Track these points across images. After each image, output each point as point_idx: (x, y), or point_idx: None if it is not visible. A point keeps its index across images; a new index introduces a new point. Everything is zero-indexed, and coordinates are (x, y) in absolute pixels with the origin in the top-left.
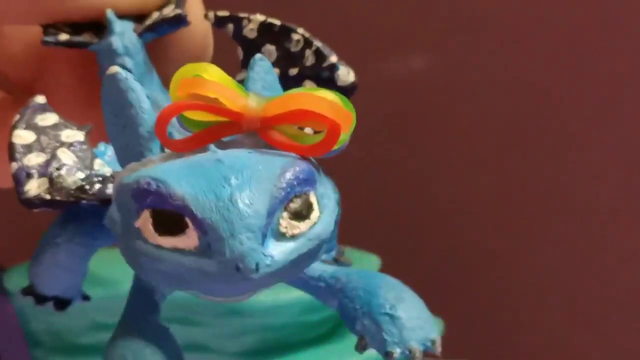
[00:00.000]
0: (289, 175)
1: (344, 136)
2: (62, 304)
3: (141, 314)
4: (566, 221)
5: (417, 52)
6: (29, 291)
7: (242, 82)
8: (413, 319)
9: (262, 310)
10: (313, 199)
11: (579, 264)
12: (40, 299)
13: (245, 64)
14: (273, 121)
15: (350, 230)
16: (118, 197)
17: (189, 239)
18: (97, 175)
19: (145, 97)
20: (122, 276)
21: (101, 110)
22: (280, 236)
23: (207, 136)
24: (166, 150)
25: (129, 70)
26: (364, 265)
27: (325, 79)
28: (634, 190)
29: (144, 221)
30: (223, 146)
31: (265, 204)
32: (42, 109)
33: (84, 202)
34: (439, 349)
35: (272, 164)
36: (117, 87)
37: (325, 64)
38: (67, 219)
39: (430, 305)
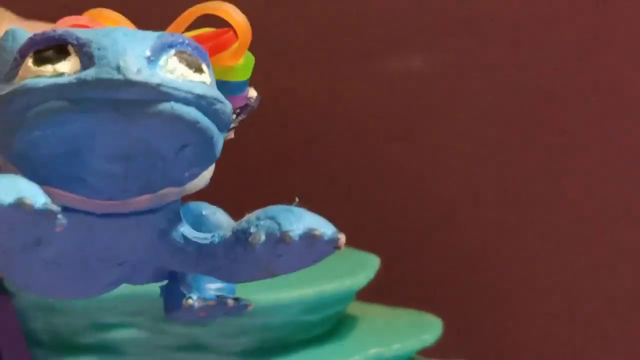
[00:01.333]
0: (179, 36)
1: (245, 66)
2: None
3: None
4: (566, 221)
5: (417, 52)
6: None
7: None
8: (313, 215)
9: (262, 309)
10: (205, 67)
11: (579, 264)
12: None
13: None
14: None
15: (350, 230)
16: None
17: (71, 63)
18: None
19: None
20: None
21: None
22: (170, 73)
23: None
24: None
25: None
26: (364, 265)
27: None
28: (634, 191)
29: (25, 67)
30: None
31: (149, 42)
32: None
33: None
34: (342, 241)
35: (152, 32)
36: None
37: None
38: None
39: (430, 305)
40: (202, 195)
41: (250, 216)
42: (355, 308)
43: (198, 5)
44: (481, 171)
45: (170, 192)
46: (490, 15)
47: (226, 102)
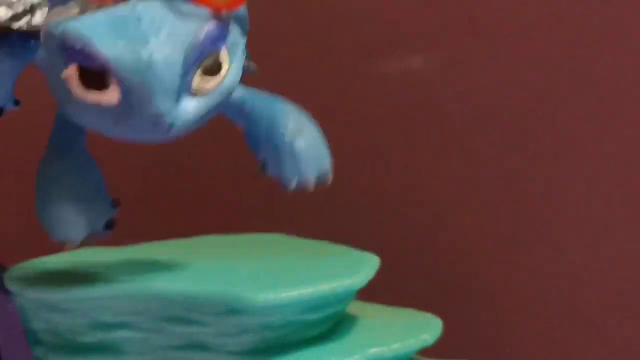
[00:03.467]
0: (202, 35)
1: None
2: None
3: (68, 138)
4: (566, 221)
5: (417, 52)
6: None
7: None
8: (310, 149)
9: (263, 309)
10: (224, 54)
11: (579, 264)
12: None
13: None
14: None
15: (350, 230)
16: (46, 43)
17: (113, 94)
18: (25, 5)
19: None
20: (122, 276)
21: None
22: (194, 93)
23: None
24: None
25: None
26: (364, 265)
27: None
28: (634, 191)
29: (71, 73)
30: None
31: (181, 64)
32: None
33: (14, 33)
34: (329, 178)
35: (187, 22)
36: None
37: None
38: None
39: (430, 305)
40: (198, 195)
41: (257, 117)
42: (355, 308)
43: None
44: (481, 171)
45: None
46: (491, 15)
47: (236, 77)
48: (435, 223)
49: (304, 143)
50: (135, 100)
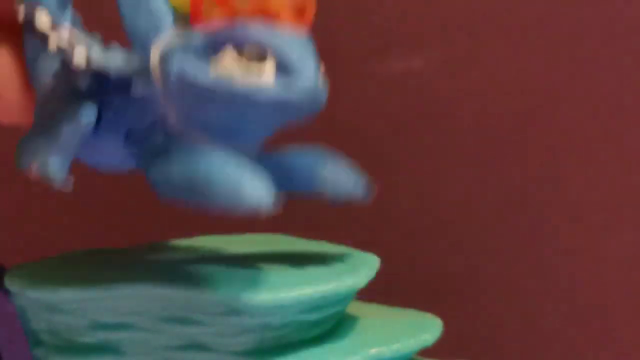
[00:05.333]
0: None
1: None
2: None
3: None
4: (566, 221)
5: (417, 52)
6: (43, 172)
7: None
8: (351, 172)
9: (263, 309)
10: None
11: (579, 264)
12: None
13: None
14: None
15: (350, 230)
16: (181, 51)
17: (270, 67)
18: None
19: None
20: (122, 276)
21: None
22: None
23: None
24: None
25: None
26: (364, 265)
27: None
28: (634, 191)
29: (226, 58)
30: None
31: (312, 45)
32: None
33: (114, 72)
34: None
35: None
36: None
37: None
38: (80, 95)
39: (430, 305)
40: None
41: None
42: (356, 308)
43: None
44: (481, 171)
45: None
46: (491, 15)
47: None
48: (436, 223)
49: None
50: (294, 72)
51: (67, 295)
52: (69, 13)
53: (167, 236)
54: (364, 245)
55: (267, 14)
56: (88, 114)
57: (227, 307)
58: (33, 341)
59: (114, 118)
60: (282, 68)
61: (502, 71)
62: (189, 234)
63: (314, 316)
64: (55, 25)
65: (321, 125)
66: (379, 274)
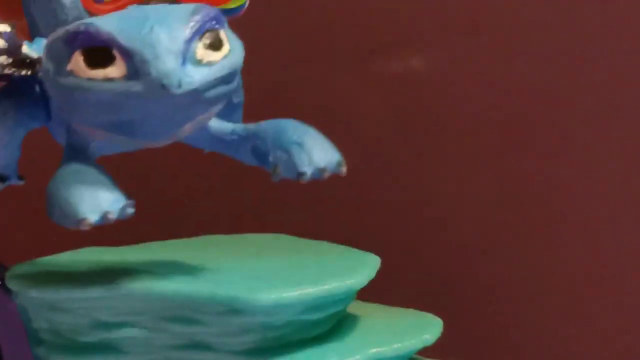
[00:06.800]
0: (201, 12)
1: None
2: (0, 179)
3: (78, 160)
4: (566, 221)
5: (417, 52)
6: None
7: None
8: (319, 145)
9: (263, 309)
10: (223, 35)
11: (578, 263)
12: None
13: None
14: None
15: (350, 230)
16: (50, 49)
17: (118, 69)
18: (27, 57)
19: None
20: (123, 276)
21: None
22: (198, 63)
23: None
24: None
25: None
26: (364, 265)
27: None
28: (634, 191)
29: (76, 62)
30: None
31: (182, 33)
32: None
33: (16, 74)
34: (344, 169)
35: (185, 7)
36: None
37: None
38: (1, 96)
39: (430, 305)
40: (198, 195)
41: (263, 134)
42: (356, 307)
43: None
44: (481, 171)
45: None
46: (490, 15)
47: (239, 59)
48: (436, 223)
49: (312, 138)
50: (140, 64)
51: (68, 295)
52: None
53: (168, 236)
54: (364, 245)
55: None
56: (11, 118)
57: (228, 307)
58: (34, 340)
59: (32, 111)
60: (130, 64)
61: (502, 71)
62: (190, 233)
63: (314, 316)
64: None
65: (321, 126)
66: (379, 274)
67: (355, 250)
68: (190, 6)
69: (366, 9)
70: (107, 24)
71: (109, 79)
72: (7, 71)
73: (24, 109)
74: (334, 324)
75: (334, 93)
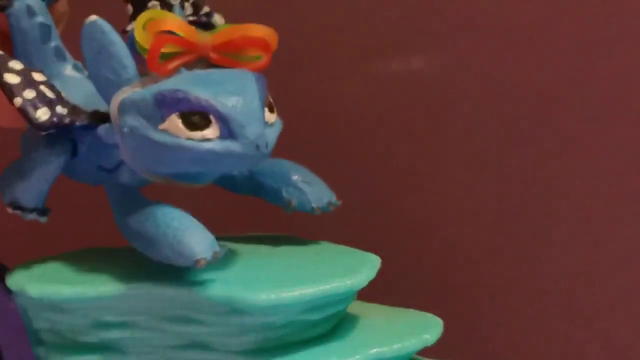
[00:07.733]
0: (261, 79)
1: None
2: (44, 213)
3: (156, 202)
4: (566, 221)
5: (417, 52)
6: (15, 206)
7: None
8: (321, 187)
9: (263, 309)
10: (271, 98)
11: (578, 264)
12: (26, 211)
13: (134, 17)
14: (222, 47)
15: (350, 230)
16: (137, 107)
17: (213, 130)
18: (72, 104)
19: (119, 38)
20: (123, 276)
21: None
22: (267, 123)
23: (179, 62)
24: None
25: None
26: (364, 265)
27: (204, 23)
28: (634, 191)
29: (172, 122)
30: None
31: (259, 100)
32: (6, 57)
33: (77, 123)
34: (339, 203)
35: (250, 74)
36: (100, 30)
37: (202, 12)
38: (53, 140)
39: (430, 305)
40: (198, 195)
41: (270, 172)
42: (356, 307)
43: (240, 26)
44: (481, 171)
45: None
46: (490, 15)
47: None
48: (436, 223)
49: (315, 183)
50: (238, 129)
51: (68, 295)
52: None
53: None
54: (364, 245)
55: (227, 49)
56: (58, 156)
57: (228, 307)
58: (34, 340)
59: (85, 154)
60: (224, 127)
61: (502, 71)
62: None
63: (315, 316)
64: (23, 81)
65: (321, 126)
66: (379, 274)
67: (355, 250)
68: (250, 73)
69: (366, 9)
70: (198, 89)
71: (207, 139)
72: (65, 121)
73: (71, 151)
74: (334, 324)
75: (333, 93)
